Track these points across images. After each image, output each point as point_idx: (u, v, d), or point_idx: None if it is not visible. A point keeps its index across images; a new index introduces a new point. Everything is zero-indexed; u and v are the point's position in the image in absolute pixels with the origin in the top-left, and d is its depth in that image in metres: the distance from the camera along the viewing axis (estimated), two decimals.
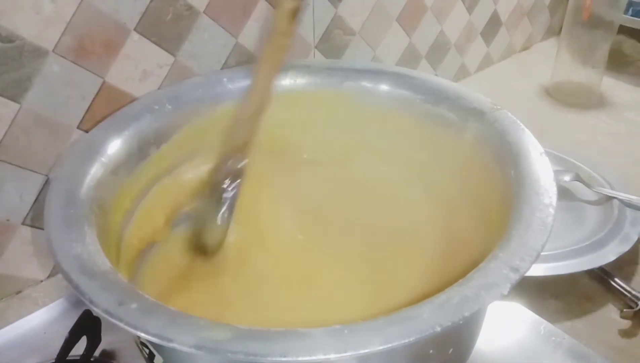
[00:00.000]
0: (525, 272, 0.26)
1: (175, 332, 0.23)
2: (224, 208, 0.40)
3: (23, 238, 0.47)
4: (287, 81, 0.43)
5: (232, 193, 0.40)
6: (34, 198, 0.46)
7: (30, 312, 0.46)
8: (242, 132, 0.40)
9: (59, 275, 0.50)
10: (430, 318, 0.24)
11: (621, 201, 0.55)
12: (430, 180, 0.42)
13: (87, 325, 0.41)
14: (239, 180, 0.41)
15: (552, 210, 0.29)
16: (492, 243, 0.29)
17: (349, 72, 0.45)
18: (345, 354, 0.22)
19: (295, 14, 0.37)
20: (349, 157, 0.47)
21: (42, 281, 0.50)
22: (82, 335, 0.41)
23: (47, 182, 0.47)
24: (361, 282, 0.40)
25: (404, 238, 0.41)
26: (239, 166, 0.40)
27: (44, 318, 0.46)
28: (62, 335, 0.40)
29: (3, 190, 0.45)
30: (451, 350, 0.29)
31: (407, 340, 0.22)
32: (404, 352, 0.26)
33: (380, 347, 0.22)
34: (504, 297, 0.25)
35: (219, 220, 0.40)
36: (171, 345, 0.22)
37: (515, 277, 0.26)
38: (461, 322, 0.23)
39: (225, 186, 0.40)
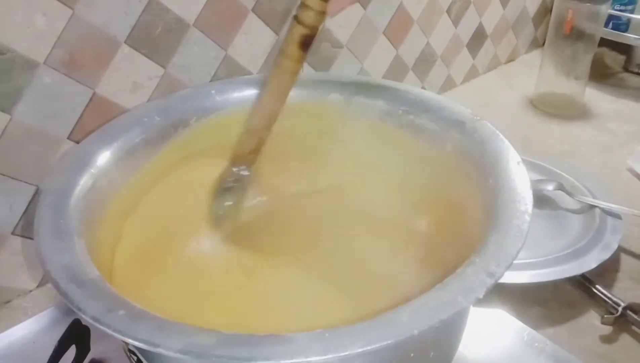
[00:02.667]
0: (500, 277, 0.27)
1: (162, 337, 0.23)
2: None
3: (12, 249, 0.48)
4: None
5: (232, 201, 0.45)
6: (23, 208, 0.47)
7: (19, 322, 0.46)
8: (250, 142, 0.43)
9: (49, 285, 0.51)
10: (409, 322, 0.24)
11: (602, 210, 0.56)
12: (412, 189, 0.43)
13: (77, 335, 0.41)
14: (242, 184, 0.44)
15: (527, 217, 0.30)
16: (470, 249, 0.30)
17: (335, 84, 0.46)
18: (326, 357, 0.23)
19: (306, 41, 0.38)
20: (333, 167, 0.47)
21: (31, 291, 0.50)
22: (72, 345, 0.41)
23: (37, 193, 0.47)
24: (342, 289, 0.40)
25: (385, 244, 0.42)
26: (244, 174, 0.44)
27: (33, 328, 0.46)
28: (52, 344, 0.40)
29: None
30: (432, 353, 0.30)
31: (385, 343, 0.23)
32: (385, 355, 0.27)
33: (360, 350, 0.23)
34: (479, 301, 0.26)
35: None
36: (158, 350, 0.23)
37: (490, 282, 0.27)
38: (438, 326, 0.24)
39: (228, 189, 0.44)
